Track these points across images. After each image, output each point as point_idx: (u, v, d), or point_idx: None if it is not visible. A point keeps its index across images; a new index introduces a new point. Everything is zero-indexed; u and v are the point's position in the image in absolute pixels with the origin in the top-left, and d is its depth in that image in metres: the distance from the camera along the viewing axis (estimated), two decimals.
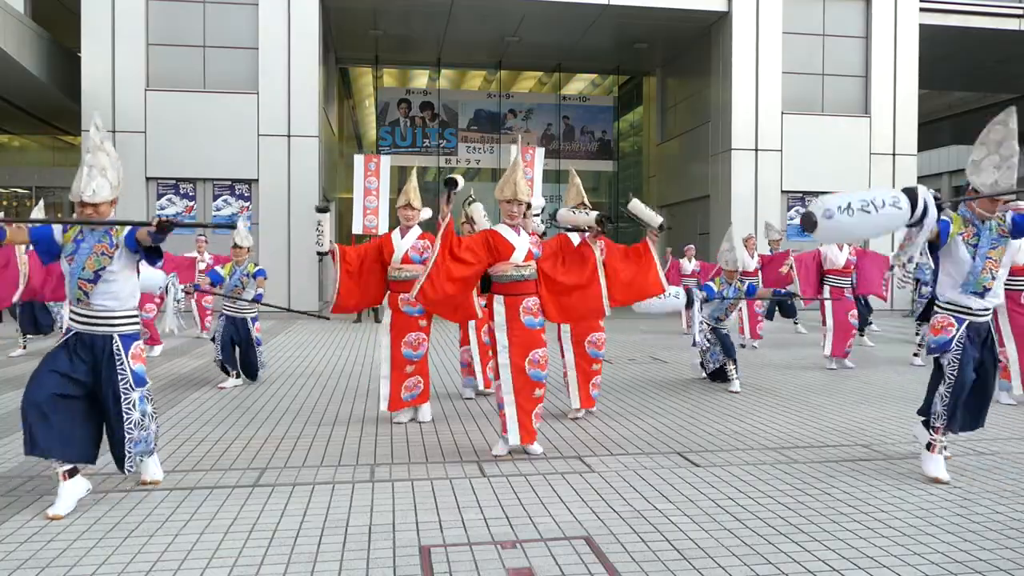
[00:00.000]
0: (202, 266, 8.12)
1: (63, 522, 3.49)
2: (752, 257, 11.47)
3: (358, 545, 3.22)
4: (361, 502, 3.78)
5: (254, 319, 7.42)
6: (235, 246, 7.34)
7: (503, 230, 4.77)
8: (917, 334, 11.06)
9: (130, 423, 3.75)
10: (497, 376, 4.70)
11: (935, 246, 4.22)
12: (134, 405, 3.77)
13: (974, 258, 4.16)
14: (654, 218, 5.17)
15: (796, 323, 12.97)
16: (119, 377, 3.75)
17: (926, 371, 8.04)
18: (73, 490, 3.68)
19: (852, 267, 8.83)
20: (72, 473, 3.69)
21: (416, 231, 5.75)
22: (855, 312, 8.92)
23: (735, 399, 6.69)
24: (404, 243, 5.68)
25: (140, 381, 3.82)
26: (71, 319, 3.81)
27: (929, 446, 4.31)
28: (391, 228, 6.10)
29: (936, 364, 4.35)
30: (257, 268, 7.45)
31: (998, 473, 4.36)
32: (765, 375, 8.15)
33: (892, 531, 3.40)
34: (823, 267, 8.81)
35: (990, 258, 4.16)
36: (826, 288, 8.76)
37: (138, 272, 3.98)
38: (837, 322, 8.51)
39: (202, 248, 11.36)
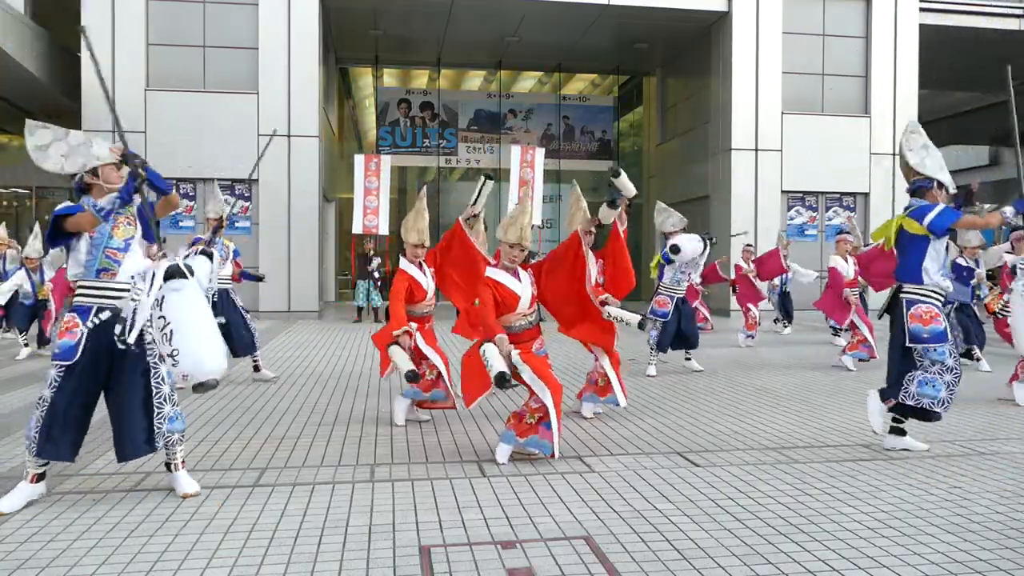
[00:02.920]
0: None
1: (63, 522, 3.48)
2: (749, 264, 11.46)
3: (358, 545, 3.22)
4: (361, 502, 3.78)
5: (234, 289, 7.63)
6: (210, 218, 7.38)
7: (503, 278, 4.60)
8: None
9: (160, 397, 3.74)
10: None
11: (926, 237, 4.56)
12: (163, 379, 3.77)
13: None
14: (630, 189, 5.58)
15: (776, 322, 12.98)
16: (148, 351, 3.73)
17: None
18: (33, 491, 3.72)
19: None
20: (41, 477, 3.76)
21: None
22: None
23: (735, 399, 6.69)
24: (429, 281, 5.60)
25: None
26: (89, 296, 3.68)
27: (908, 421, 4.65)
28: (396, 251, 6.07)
29: (917, 353, 4.58)
30: (233, 248, 7.74)
31: (998, 473, 4.36)
32: (765, 375, 8.16)
33: (892, 531, 3.40)
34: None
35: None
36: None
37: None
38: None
39: None
